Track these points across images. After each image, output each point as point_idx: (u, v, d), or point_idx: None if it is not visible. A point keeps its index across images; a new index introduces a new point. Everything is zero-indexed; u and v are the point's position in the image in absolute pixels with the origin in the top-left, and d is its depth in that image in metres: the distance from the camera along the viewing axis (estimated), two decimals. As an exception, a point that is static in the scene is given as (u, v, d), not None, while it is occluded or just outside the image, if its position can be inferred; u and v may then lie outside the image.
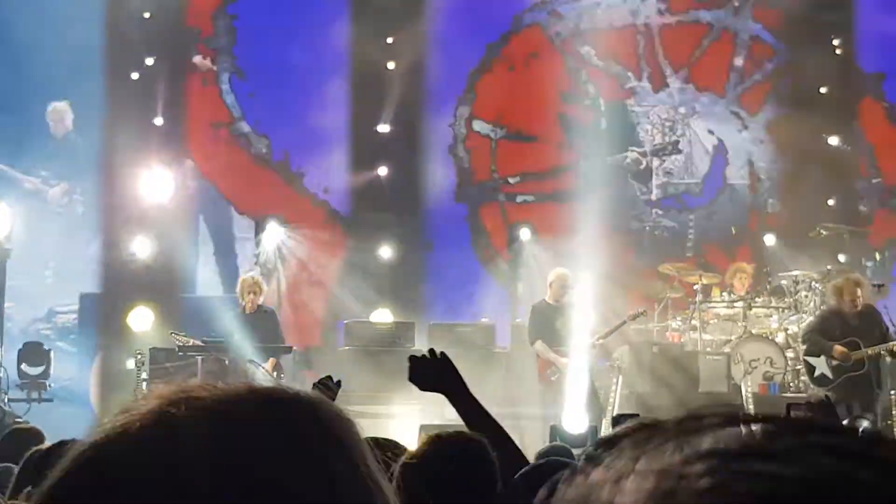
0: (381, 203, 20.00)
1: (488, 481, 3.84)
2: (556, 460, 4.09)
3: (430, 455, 3.77)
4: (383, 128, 20.15)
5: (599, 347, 16.19)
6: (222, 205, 20.70)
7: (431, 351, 5.19)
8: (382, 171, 20.14)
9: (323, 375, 7.27)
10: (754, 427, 0.98)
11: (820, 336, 15.27)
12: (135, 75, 19.38)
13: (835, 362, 15.07)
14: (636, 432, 1.02)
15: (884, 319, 15.47)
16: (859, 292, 15.26)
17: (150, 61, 19.42)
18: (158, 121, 19.46)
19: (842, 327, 15.19)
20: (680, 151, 21.20)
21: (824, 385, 15.08)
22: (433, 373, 4.90)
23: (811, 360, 15.32)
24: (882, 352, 15.11)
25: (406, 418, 17.05)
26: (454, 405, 4.70)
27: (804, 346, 15.67)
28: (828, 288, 16.64)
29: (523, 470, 4.14)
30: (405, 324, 17.90)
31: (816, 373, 15.22)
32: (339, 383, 7.08)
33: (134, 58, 19.53)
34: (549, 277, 16.52)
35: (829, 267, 18.08)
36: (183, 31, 20.29)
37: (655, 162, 21.45)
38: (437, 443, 3.84)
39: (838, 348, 15.01)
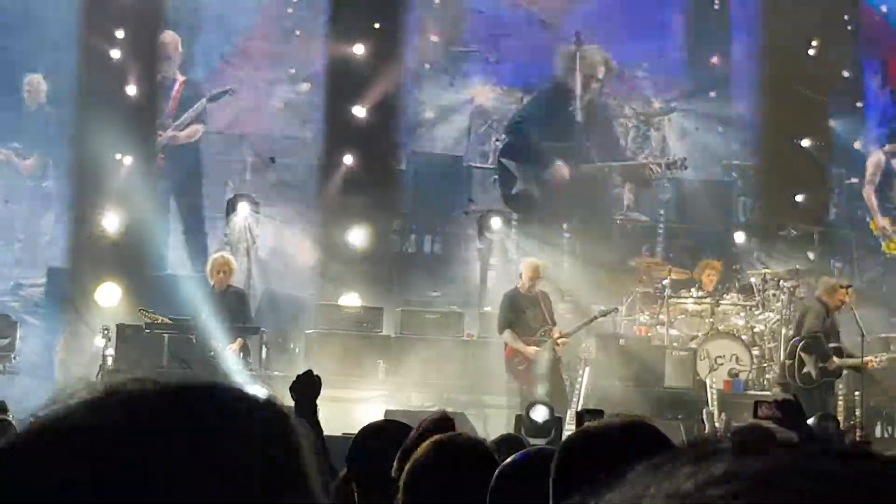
0: (353, 187, 19.95)
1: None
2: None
3: (438, 460, 3.78)
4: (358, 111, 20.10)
5: (569, 339, 16.19)
6: (194, 183, 20.64)
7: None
8: (349, 158, 20.06)
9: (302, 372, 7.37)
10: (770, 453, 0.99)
11: (824, 337, 15.41)
12: (112, 51, 19.22)
13: (823, 366, 15.19)
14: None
15: (858, 322, 15.60)
16: (843, 300, 15.57)
17: (120, 34, 19.24)
18: (131, 90, 19.28)
19: (828, 329, 15.35)
20: (686, 167, 21.16)
21: (808, 384, 15.18)
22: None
23: (804, 356, 15.35)
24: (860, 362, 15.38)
25: (371, 403, 17.06)
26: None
27: (804, 341, 15.63)
28: (820, 284, 16.68)
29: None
30: (374, 309, 17.89)
31: (804, 370, 15.28)
32: (319, 378, 7.17)
33: (106, 30, 19.36)
34: (520, 267, 16.52)
35: (798, 266, 18.16)
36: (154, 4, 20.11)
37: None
38: (442, 448, 3.84)
39: (833, 361, 15.19)
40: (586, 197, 20.95)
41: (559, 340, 15.99)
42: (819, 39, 20.56)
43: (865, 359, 15.46)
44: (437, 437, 4.00)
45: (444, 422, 5.01)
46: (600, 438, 2.89)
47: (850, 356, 15.62)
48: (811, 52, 20.57)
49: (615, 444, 2.82)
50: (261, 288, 19.39)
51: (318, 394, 6.42)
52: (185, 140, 20.33)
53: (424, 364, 16.93)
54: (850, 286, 15.92)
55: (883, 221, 20.93)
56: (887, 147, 21.19)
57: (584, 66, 21.30)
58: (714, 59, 22.29)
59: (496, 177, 21.56)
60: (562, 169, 20.95)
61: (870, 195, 21.07)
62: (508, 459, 3.53)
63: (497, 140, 21.74)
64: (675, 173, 21.25)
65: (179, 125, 20.25)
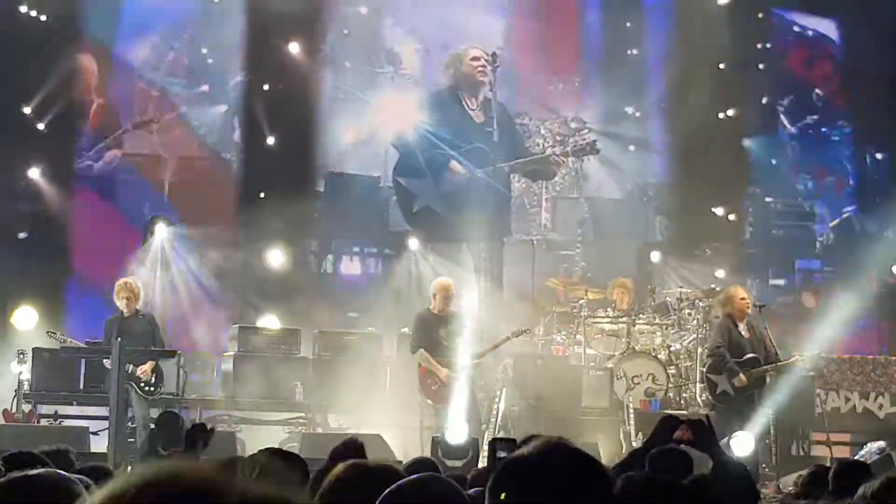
0: (270, 208, 19.92)
1: None
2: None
3: (352, 483, 3.79)
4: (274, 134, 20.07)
5: (482, 360, 16.21)
6: (110, 204, 20.49)
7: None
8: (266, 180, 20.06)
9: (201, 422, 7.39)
10: None
11: (727, 352, 15.29)
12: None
13: (733, 380, 15.08)
14: None
15: (767, 331, 15.52)
16: (748, 302, 15.42)
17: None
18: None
19: (738, 340, 15.23)
20: (598, 150, 21.20)
21: (726, 402, 15.16)
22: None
23: (713, 377, 15.34)
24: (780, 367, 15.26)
25: (289, 426, 17.05)
26: None
27: (709, 361, 15.54)
28: (714, 300, 16.82)
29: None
30: (292, 331, 17.84)
31: (718, 390, 15.24)
32: (212, 430, 7.16)
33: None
34: (431, 288, 16.41)
35: (713, 285, 18.35)
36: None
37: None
38: (356, 469, 3.86)
39: (741, 378, 14.97)
40: (489, 206, 20.76)
41: (479, 357, 15.99)
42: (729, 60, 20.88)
43: (790, 359, 15.38)
44: (350, 461, 4.02)
45: (354, 447, 5.03)
46: (521, 469, 2.90)
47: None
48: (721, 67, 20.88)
49: (536, 470, 2.86)
50: (177, 310, 19.29)
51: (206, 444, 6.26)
52: (103, 168, 20.22)
53: (342, 386, 16.91)
54: (762, 305, 15.85)
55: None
56: None
57: (466, 63, 21.40)
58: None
59: (394, 197, 21.58)
60: (456, 167, 20.97)
61: None
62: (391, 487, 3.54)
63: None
64: (588, 190, 21.43)
65: (98, 153, 20.12)
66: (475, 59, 21.32)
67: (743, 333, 15.30)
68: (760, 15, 22.29)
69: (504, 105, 21.47)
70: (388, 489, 3.47)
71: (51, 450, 7.12)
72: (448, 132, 21.10)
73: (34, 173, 19.30)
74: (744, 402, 15.07)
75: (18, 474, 3.37)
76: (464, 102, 21.35)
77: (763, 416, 14.98)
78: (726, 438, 13.57)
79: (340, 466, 3.88)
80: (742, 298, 15.40)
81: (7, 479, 3.39)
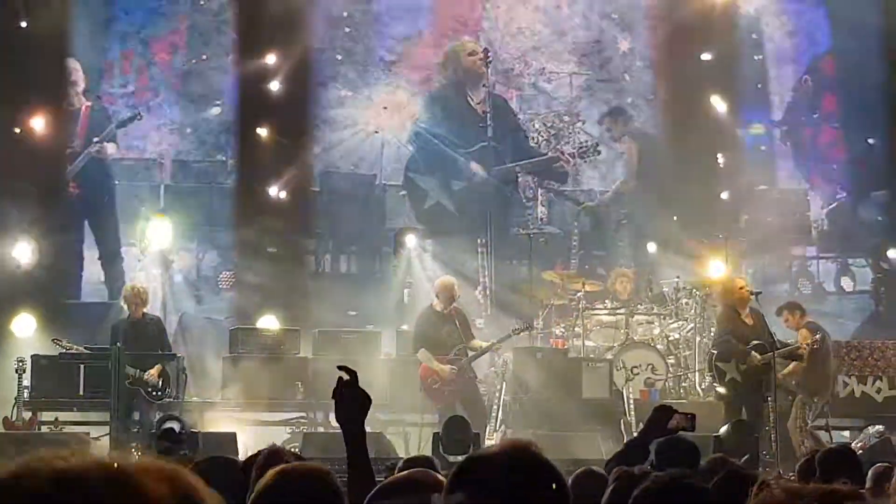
0: (267, 208, 19.94)
1: None
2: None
3: (277, 489, 3.77)
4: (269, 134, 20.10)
5: (484, 355, 16.25)
6: (108, 209, 20.49)
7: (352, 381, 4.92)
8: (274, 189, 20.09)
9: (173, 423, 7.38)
10: None
11: (734, 338, 15.33)
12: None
13: (744, 367, 15.11)
14: None
15: (768, 328, 15.55)
16: (747, 290, 15.43)
17: None
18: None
19: (743, 328, 15.28)
20: (600, 152, 21.34)
21: (734, 389, 15.21)
22: (354, 406, 4.70)
23: (722, 364, 15.38)
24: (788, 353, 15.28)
25: (291, 426, 17.08)
26: (348, 443, 4.64)
27: (716, 350, 15.60)
28: (716, 290, 16.85)
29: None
30: (291, 331, 17.89)
31: (727, 377, 15.28)
32: (189, 434, 7.17)
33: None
34: (434, 286, 16.54)
35: (709, 274, 18.37)
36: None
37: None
38: (283, 477, 3.83)
39: (754, 356, 14.98)
40: (500, 204, 21.02)
41: (479, 353, 16.06)
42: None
43: (793, 345, 15.37)
44: (281, 466, 3.98)
45: (275, 456, 4.96)
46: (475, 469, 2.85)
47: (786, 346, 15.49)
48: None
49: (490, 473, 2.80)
50: (176, 312, 19.35)
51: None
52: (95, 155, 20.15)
53: (343, 384, 16.94)
54: (758, 293, 15.82)
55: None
56: None
57: (464, 58, 21.51)
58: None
59: (404, 192, 21.63)
60: (475, 167, 21.07)
61: None
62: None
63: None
64: (583, 183, 21.49)
65: (89, 153, 20.11)
66: (472, 53, 21.41)
67: (747, 321, 15.35)
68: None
69: (505, 99, 21.64)
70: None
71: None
72: (455, 127, 21.24)
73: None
74: (751, 389, 15.09)
75: None
76: (469, 97, 21.45)
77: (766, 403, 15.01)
78: (724, 426, 13.65)
79: (270, 473, 3.83)
80: (741, 287, 15.45)
81: None
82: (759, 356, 14.98)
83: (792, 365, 15.79)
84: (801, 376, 15.84)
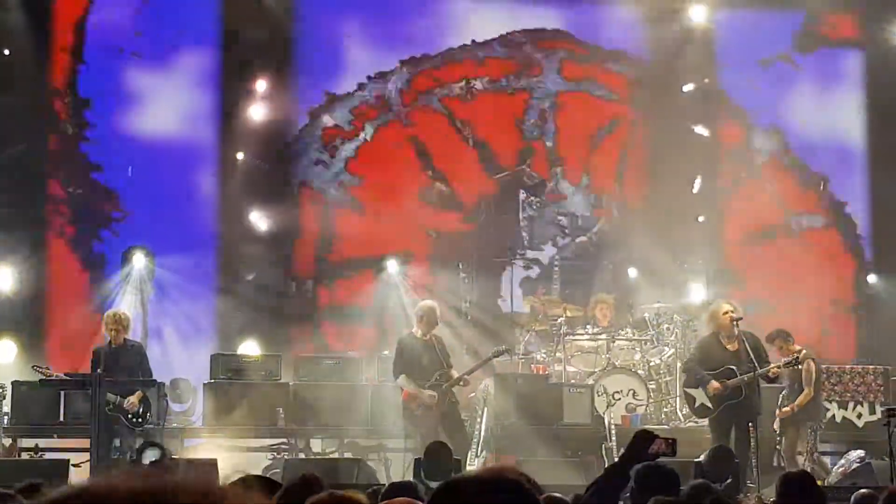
0: (248, 234, 19.95)
1: None
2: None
3: None
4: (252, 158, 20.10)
5: (464, 381, 16.22)
6: (92, 232, 20.45)
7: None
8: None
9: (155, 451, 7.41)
10: None
11: (699, 366, 15.24)
12: None
13: (712, 392, 15.06)
14: None
15: (761, 343, 15.43)
16: (731, 315, 15.17)
17: None
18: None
19: (721, 354, 15.16)
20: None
21: (705, 415, 15.21)
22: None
23: (690, 391, 15.38)
24: (758, 378, 15.05)
25: (272, 452, 17.06)
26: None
27: (683, 377, 15.69)
28: (703, 315, 16.81)
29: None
30: (272, 356, 17.87)
31: (696, 403, 15.27)
32: (170, 461, 7.20)
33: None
34: (417, 310, 16.49)
35: (690, 299, 18.41)
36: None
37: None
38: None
39: (713, 384, 14.92)
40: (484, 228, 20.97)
41: (461, 379, 16.02)
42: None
43: (762, 370, 15.21)
44: (315, 497, 4.00)
45: (308, 486, 5.00)
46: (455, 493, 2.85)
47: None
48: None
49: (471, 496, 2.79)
50: (156, 338, 19.31)
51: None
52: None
53: (324, 410, 16.96)
54: (739, 318, 15.72)
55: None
56: None
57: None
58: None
59: None
60: None
61: None
62: None
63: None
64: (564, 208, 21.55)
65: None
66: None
67: (728, 347, 15.13)
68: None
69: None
70: None
71: (23, 486, 7.08)
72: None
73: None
74: (731, 414, 14.99)
75: None
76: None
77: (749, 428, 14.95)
78: (705, 452, 13.63)
79: (323, 495, 3.87)
80: (725, 313, 15.24)
81: None
82: (715, 384, 14.89)
83: (802, 395, 15.73)
84: (809, 402, 15.81)
